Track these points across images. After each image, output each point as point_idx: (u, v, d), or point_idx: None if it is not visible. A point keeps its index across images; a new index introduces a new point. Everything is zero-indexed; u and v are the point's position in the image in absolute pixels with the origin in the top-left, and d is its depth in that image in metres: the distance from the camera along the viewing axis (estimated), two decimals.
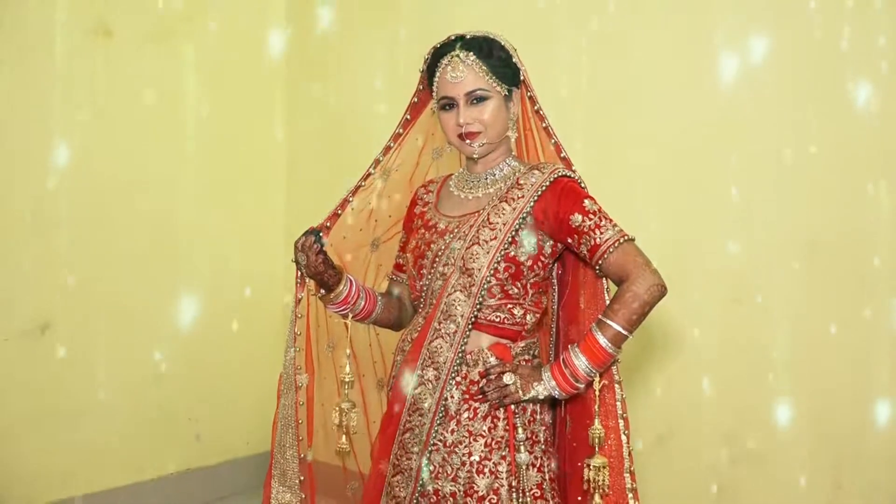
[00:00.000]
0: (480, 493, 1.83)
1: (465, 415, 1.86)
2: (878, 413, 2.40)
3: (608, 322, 1.76)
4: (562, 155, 1.98)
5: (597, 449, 1.77)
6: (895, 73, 2.37)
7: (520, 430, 1.86)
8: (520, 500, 1.83)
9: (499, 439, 1.85)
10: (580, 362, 1.77)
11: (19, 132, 3.14)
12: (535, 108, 1.98)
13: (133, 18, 3.42)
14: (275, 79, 4.00)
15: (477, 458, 1.84)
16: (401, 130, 2.09)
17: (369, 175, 2.11)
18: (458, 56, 1.86)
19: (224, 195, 3.78)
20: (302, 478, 2.00)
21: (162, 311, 3.55)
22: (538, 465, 1.87)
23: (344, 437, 1.97)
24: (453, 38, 1.90)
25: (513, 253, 1.85)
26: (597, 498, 1.76)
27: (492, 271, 1.84)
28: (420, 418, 1.88)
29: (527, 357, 1.92)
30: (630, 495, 1.80)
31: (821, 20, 2.47)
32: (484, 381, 1.85)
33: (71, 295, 3.27)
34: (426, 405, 1.87)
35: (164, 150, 3.56)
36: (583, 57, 2.97)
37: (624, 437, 1.82)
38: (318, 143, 3.92)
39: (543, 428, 1.91)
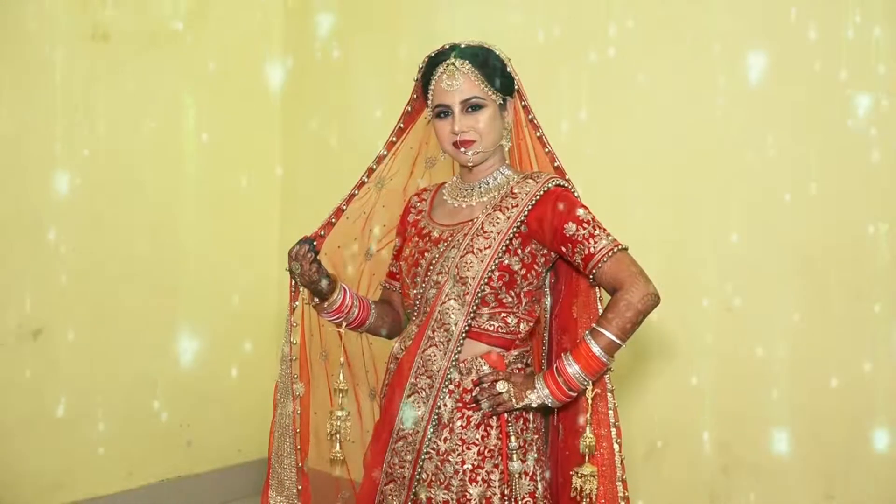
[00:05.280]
0: (473, 502, 1.82)
1: (458, 423, 1.86)
2: (871, 426, 2.40)
3: (602, 331, 1.76)
4: (555, 164, 1.99)
5: (587, 457, 1.77)
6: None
7: (512, 438, 1.86)
8: None
9: (492, 448, 1.85)
10: (573, 370, 1.78)
11: (16, 139, 3.12)
12: (529, 117, 1.99)
13: (132, 25, 3.41)
14: (272, 88, 4.00)
15: (469, 467, 1.84)
16: (394, 139, 2.09)
17: (363, 184, 2.11)
18: (453, 64, 1.87)
19: (219, 204, 3.76)
20: (300, 487, 1.99)
21: (154, 318, 3.54)
22: (531, 474, 1.87)
23: (338, 445, 1.97)
24: (448, 46, 1.91)
25: (507, 262, 1.86)
26: None
27: (486, 280, 1.84)
28: (413, 426, 1.88)
29: (520, 365, 1.92)
30: None
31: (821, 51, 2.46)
32: (477, 389, 1.85)
33: (64, 301, 3.26)
34: (419, 413, 1.87)
35: (161, 160, 3.54)
36: (582, 86, 2.97)
37: (616, 446, 1.83)
38: (314, 154, 3.92)
39: (536, 436, 1.91)
